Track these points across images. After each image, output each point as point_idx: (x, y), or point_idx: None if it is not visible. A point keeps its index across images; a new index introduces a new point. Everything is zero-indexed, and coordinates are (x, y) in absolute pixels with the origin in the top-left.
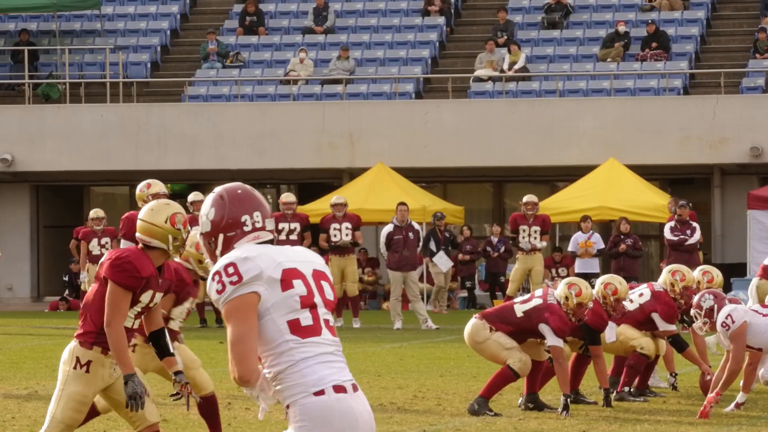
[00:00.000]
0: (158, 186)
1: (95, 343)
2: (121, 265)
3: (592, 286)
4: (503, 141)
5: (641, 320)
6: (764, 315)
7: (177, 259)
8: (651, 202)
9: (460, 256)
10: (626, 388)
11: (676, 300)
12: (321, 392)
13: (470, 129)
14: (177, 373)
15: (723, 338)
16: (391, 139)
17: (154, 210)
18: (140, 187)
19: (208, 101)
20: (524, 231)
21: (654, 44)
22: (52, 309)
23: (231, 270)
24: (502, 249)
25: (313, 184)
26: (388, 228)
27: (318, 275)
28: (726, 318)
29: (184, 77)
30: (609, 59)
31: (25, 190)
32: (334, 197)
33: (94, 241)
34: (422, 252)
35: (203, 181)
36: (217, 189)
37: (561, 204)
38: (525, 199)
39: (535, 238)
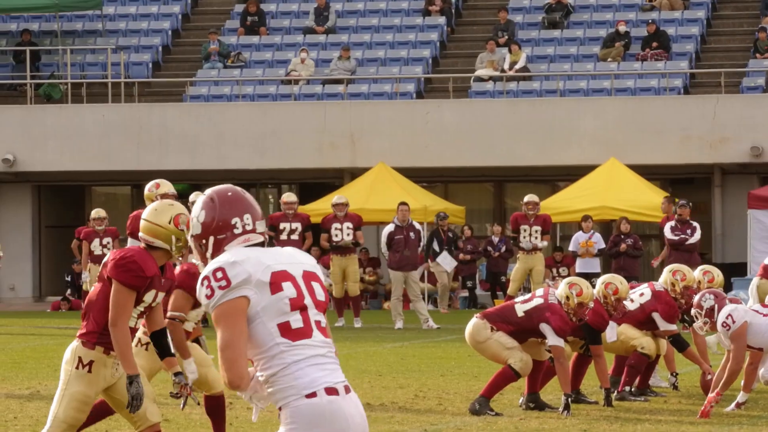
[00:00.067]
0: (167, 186)
1: (98, 342)
2: (126, 264)
3: (593, 286)
4: (504, 141)
5: (642, 320)
6: (765, 315)
7: (196, 262)
8: (651, 202)
9: (461, 255)
10: (627, 388)
11: (677, 300)
12: (313, 394)
13: (471, 129)
14: (177, 374)
15: (723, 338)
16: (392, 139)
17: (157, 210)
18: (149, 186)
19: (209, 101)
20: (525, 231)
21: (654, 44)
22: (54, 309)
23: (219, 275)
24: (503, 249)
25: (315, 183)
26: (389, 228)
27: (308, 276)
28: (726, 318)
29: (185, 77)
30: (609, 59)
31: (26, 190)
32: (335, 197)
33: (96, 241)
34: (426, 253)
35: (205, 181)
36: (208, 191)
37: (562, 204)
38: (526, 198)
39: (536, 237)
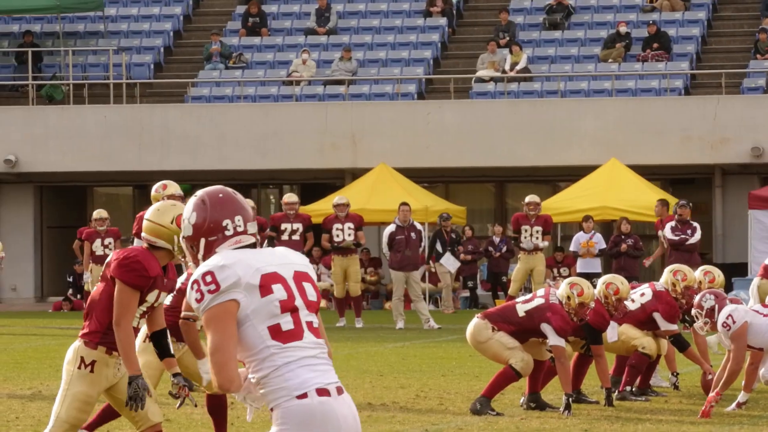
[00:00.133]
0: (174, 187)
1: (100, 342)
2: (129, 264)
3: (594, 286)
4: (505, 141)
5: (643, 320)
6: (765, 315)
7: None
8: (652, 203)
9: (462, 255)
10: (628, 388)
11: (678, 300)
12: (303, 395)
13: (472, 129)
14: (175, 375)
15: (724, 338)
16: (394, 140)
17: (160, 210)
18: (156, 187)
19: (210, 102)
20: (526, 231)
21: (655, 45)
22: (56, 309)
23: (209, 278)
24: (504, 249)
25: (316, 184)
26: (391, 228)
27: (299, 276)
28: (727, 318)
29: (187, 78)
30: (610, 60)
31: (28, 191)
32: (336, 197)
33: (98, 242)
34: (429, 254)
35: (206, 181)
36: (199, 192)
37: (563, 204)
38: (527, 199)
39: (537, 238)
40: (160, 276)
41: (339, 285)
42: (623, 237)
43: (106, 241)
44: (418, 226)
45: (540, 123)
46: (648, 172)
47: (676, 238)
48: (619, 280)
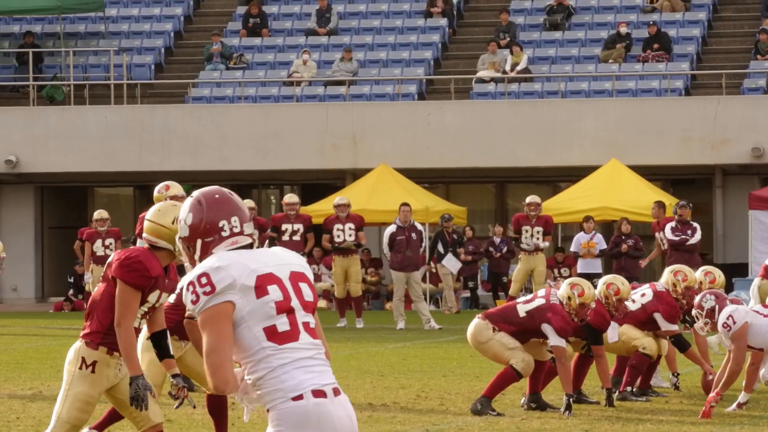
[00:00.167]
0: (177, 188)
1: (101, 343)
2: (131, 264)
3: (595, 287)
4: (505, 142)
5: (643, 320)
6: (765, 315)
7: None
8: (652, 203)
9: (463, 256)
10: (628, 388)
11: (678, 300)
12: (299, 397)
13: (473, 130)
14: (174, 376)
15: (724, 339)
16: (394, 140)
17: (161, 211)
18: (158, 188)
19: (211, 103)
20: (527, 231)
21: (655, 45)
22: (57, 310)
23: (204, 280)
24: (505, 249)
25: (317, 185)
26: (391, 228)
27: (296, 277)
28: (727, 319)
29: (187, 79)
30: (611, 60)
31: (29, 192)
32: (337, 198)
33: (99, 242)
34: (430, 255)
35: (207, 182)
36: (195, 193)
37: (563, 204)
38: (528, 199)
39: (538, 238)
40: (162, 276)
41: (340, 285)
42: (624, 237)
43: (107, 241)
44: (419, 227)
45: (540, 123)
46: (648, 173)
47: (677, 238)
48: (619, 281)
